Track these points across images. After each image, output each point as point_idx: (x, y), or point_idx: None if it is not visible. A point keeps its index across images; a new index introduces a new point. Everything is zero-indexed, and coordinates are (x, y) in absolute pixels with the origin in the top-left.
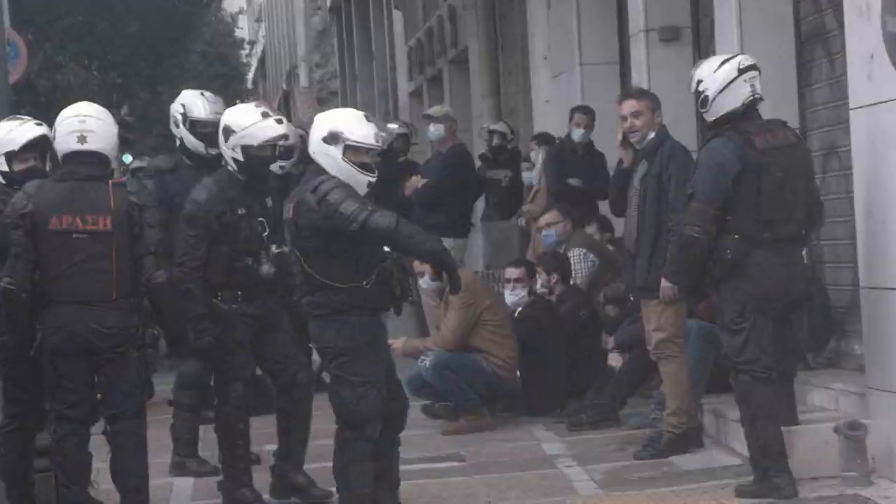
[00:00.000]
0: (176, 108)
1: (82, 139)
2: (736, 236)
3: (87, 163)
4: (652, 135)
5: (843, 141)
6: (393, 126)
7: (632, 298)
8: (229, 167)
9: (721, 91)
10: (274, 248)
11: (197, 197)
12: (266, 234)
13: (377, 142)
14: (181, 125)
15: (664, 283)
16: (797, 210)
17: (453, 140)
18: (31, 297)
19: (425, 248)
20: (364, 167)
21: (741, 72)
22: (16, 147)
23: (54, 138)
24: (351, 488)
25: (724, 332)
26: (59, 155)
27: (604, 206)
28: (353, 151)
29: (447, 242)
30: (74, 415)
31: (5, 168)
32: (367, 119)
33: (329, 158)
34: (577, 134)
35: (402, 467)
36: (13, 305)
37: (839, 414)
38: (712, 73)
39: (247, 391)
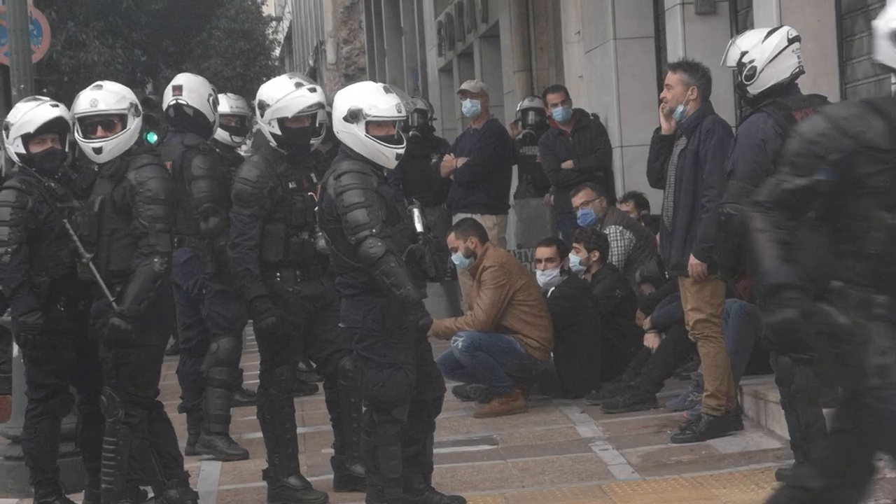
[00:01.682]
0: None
1: None
2: None
3: None
4: (681, 108)
5: None
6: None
7: (668, 276)
8: (271, 143)
9: (771, 61)
10: None
11: (247, 175)
12: (317, 208)
13: (399, 112)
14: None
15: (692, 259)
16: None
17: (487, 116)
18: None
19: (397, 292)
20: (389, 140)
21: (790, 41)
22: (31, 129)
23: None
24: (380, 472)
25: (764, 312)
26: None
27: (639, 184)
28: (375, 126)
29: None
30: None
31: (22, 150)
32: (387, 90)
33: (353, 137)
34: (558, 113)
35: (434, 451)
36: None
37: None
38: (760, 44)
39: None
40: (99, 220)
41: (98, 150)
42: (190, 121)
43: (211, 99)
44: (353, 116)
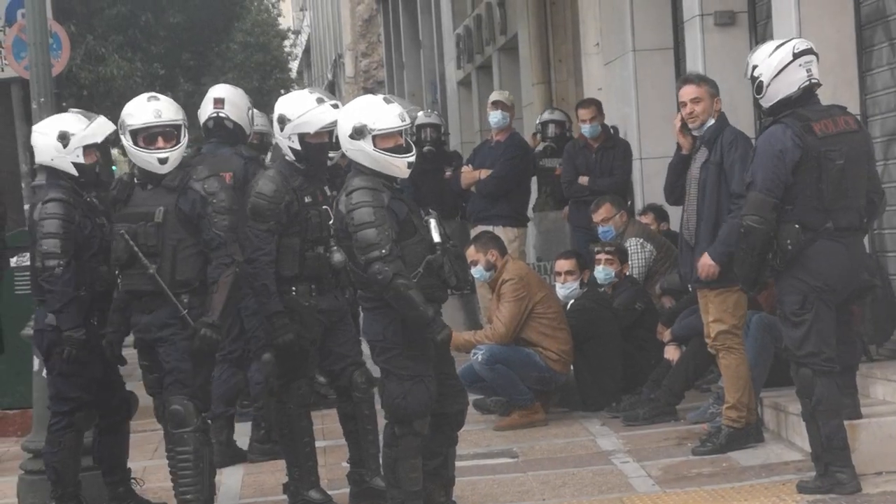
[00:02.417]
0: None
1: None
2: (796, 226)
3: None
4: (711, 121)
5: None
6: (419, 113)
7: (690, 289)
8: (287, 156)
9: (776, 76)
10: None
11: (263, 189)
12: (332, 221)
13: (403, 121)
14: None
15: (706, 259)
16: (858, 198)
17: (510, 129)
18: None
19: (410, 314)
20: (398, 150)
21: (796, 56)
22: (98, 140)
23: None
24: (401, 485)
25: (785, 323)
26: None
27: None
28: (382, 139)
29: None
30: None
31: (82, 160)
32: (387, 101)
33: (362, 153)
34: (586, 129)
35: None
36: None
37: None
38: (767, 58)
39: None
40: (162, 231)
41: (164, 161)
42: (229, 133)
43: (250, 112)
44: (359, 133)
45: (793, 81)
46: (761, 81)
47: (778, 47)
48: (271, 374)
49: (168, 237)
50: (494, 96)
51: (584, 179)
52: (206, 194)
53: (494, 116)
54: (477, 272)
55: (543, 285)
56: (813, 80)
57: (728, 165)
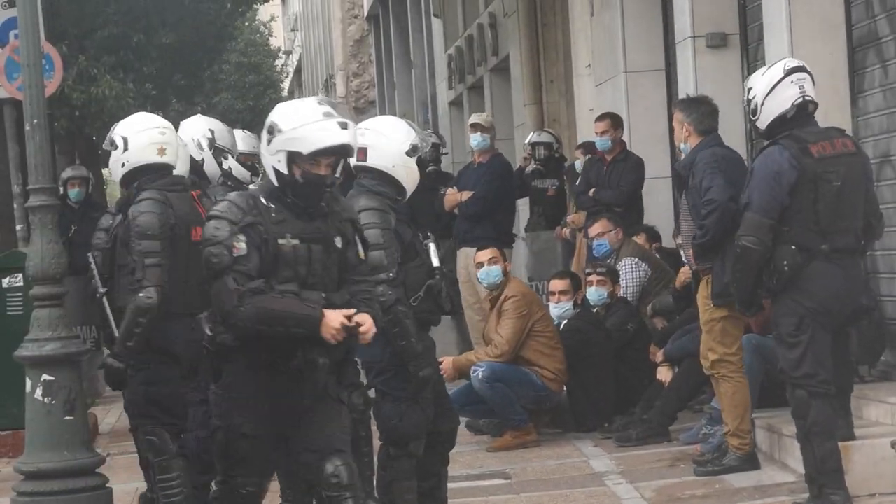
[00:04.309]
0: (201, 132)
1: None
2: (793, 247)
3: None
4: (683, 146)
5: None
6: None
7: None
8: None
9: (768, 94)
10: None
11: None
12: None
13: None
14: (206, 148)
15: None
16: (856, 220)
17: (493, 150)
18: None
19: (400, 342)
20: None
21: (787, 73)
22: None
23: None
24: None
25: (781, 345)
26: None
27: (650, 216)
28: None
29: None
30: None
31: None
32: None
33: (411, 171)
34: (599, 143)
35: (447, 485)
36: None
37: None
38: (760, 78)
39: None
40: (110, 255)
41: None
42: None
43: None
44: (415, 151)
45: (785, 98)
46: (756, 102)
47: (769, 67)
48: None
49: (116, 262)
50: (473, 118)
51: (591, 191)
52: (131, 218)
53: (475, 139)
54: (494, 272)
55: (541, 304)
56: (807, 98)
57: (694, 186)
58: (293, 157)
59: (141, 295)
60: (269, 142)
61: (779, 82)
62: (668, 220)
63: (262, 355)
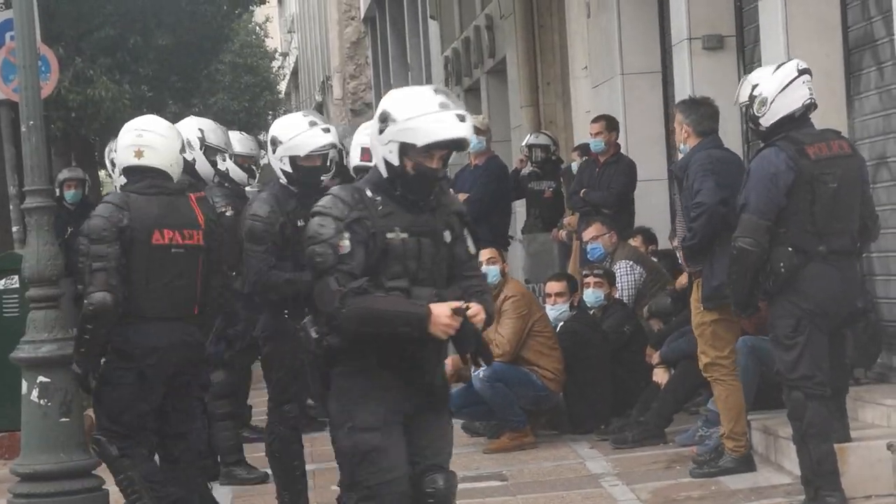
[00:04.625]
0: (190, 133)
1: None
2: (790, 249)
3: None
4: (682, 147)
5: (894, 150)
6: None
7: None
8: (280, 179)
9: (781, 91)
10: None
11: (258, 211)
12: None
13: None
14: (197, 148)
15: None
16: (852, 222)
17: (488, 152)
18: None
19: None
20: None
21: (800, 73)
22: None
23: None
24: None
25: (777, 347)
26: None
27: (647, 218)
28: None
29: None
30: (142, 431)
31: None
32: None
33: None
34: (593, 144)
35: None
36: (107, 323)
37: (892, 430)
38: (770, 76)
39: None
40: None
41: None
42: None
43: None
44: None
45: (796, 98)
46: (765, 98)
47: (780, 66)
48: (213, 399)
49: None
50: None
51: (581, 192)
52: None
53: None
54: (492, 272)
55: (539, 304)
56: (812, 99)
57: (687, 188)
58: (405, 149)
59: (85, 301)
60: (381, 131)
61: (792, 81)
62: (664, 222)
63: (371, 358)
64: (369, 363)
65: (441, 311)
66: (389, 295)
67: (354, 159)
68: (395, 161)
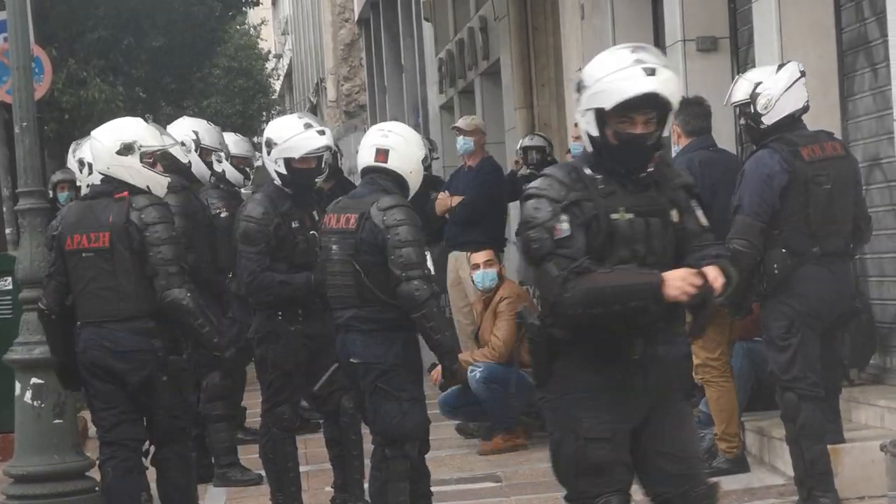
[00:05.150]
0: (185, 135)
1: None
2: (783, 250)
3: (105, 180)
4: (675, 148)
5: (887, 152)
6: None
7: None
8: (275, 181)
9: (786, 91)
10: None
11: (252, 213)
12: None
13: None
14: (192, 150)
15: None
16: (845, 223)
17: (482, 153)
18: (63, 322)
19: (435, 336)
20: None
21: (802, 74)
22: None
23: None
24: None
25: (771, 348)
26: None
27: None
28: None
29: None
30: (111, 438)
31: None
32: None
33: (418, 178)
34: (573, 148)
35: (437, 488)
36: (46, 327)
37: (885, 431)
38: (773, 75)
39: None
40: None
41: None
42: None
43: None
44: (426, 160)
45: (799, 98)
46: (770, 96)
47: (781, 66)
48: (208, 401)
49: None
50: (458, 122)
51: None
52: None
53: (458, 142)
54: (488, 277)
55: (535, 307)
56: (808, 102)
57: None
58: (601, 116)
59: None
60: (579, 101)
61: (796, 81)
62: None
63: (597, 347)
64: (595, 354)
65: (675, 274)
66: (615, 269)
67: (366, 160)
68: (594, 131)
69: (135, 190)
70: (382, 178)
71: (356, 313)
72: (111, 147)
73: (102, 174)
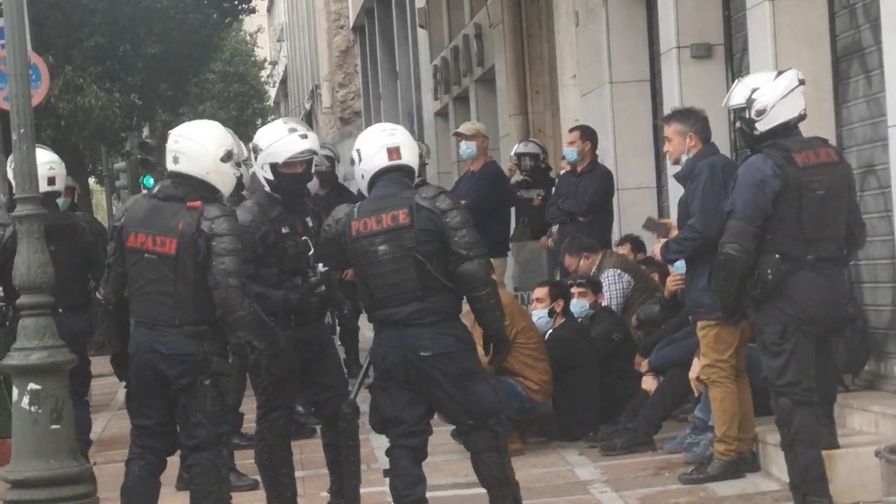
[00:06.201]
0: None
1: (175, 160)
2: (777, 256)
3: (175, 184)
4: (684, 157)
5: (881, 158)
6: None
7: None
8: (265, 187)
9: (783, 98)
10: (321, 267)
11: (241, 220)
12: (311, 252)
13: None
14: None
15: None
16: (839, 229)
17: (485, 157)
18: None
19: (496, 313)
20: None
21: (800, 82)
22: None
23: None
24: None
25: (765, 353)
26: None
27: (635, 227)
28: None
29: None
30: (143, 443)
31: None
32: None
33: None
34: (568, 153)
35: (433, 494)
36: (104, 317)
37: (880, 437)
38: (772, 82)
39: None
40: None
41: None
42: None
43: None
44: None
45: (794, 106)
46: (766, 102)
47: (780, 73)
48: None
49: None
50: (459, 128)
51: (561, 202)
52: None
53: (461, 148)
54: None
55: (525, 315)
56: (805, 111)
57: (690, 202)
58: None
59: None
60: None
61: (793, 90)
62: None
63: None
64: None
65: None
66: None
67: (380, 161)
68: None
69: (209, 198)
70: (401, 174)
71: (419, 306)
72: (215, 154)
73: (191, 176)
